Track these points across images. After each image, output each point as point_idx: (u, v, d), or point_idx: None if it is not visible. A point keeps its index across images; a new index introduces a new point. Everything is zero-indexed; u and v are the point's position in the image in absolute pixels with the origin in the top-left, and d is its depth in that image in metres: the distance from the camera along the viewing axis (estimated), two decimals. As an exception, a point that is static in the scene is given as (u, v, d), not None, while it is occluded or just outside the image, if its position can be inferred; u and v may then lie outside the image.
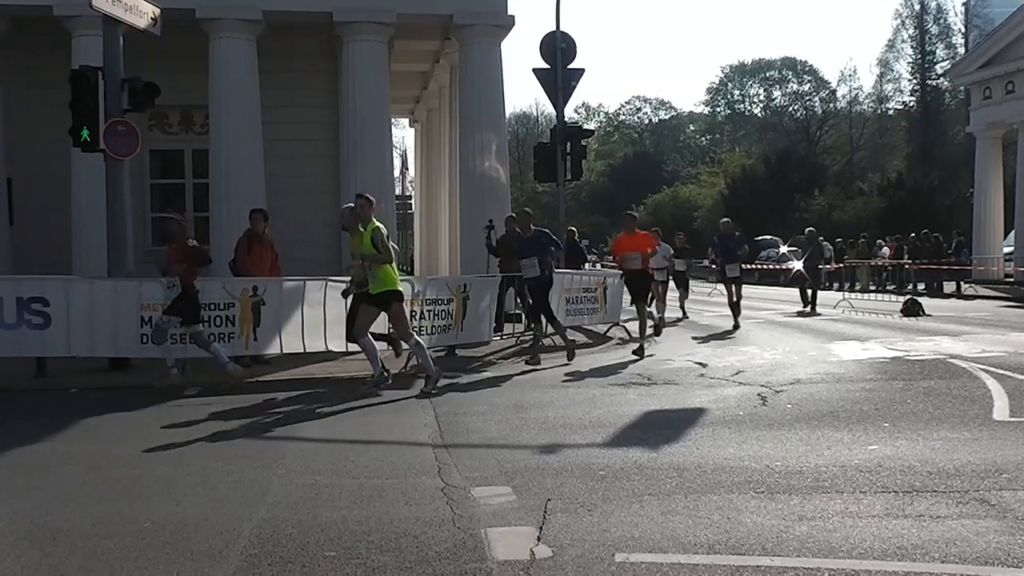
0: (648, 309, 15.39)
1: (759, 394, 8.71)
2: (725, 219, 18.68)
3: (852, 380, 9.52)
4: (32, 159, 15.83)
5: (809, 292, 19.54)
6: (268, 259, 11.54)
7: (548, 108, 54.24)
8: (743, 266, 17.45)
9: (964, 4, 54.28)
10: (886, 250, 29.82)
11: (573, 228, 18.78)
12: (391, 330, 10.03)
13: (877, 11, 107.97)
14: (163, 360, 10.12)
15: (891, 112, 62.65)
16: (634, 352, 12.29)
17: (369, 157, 15.63)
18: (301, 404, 8.82)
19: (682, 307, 18.63)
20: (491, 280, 13.00)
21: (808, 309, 19.10)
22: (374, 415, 8.32)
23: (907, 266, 26.86)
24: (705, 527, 4.58)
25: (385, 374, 9.56)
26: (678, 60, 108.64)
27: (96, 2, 10.44)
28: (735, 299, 16.32)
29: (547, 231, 12.65)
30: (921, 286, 26.20)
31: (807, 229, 22.36)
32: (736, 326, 15.81)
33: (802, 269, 20.26)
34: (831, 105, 66.40)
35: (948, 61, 51.89)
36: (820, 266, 20.87)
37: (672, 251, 17.77)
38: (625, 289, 13.32)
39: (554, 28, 15.58)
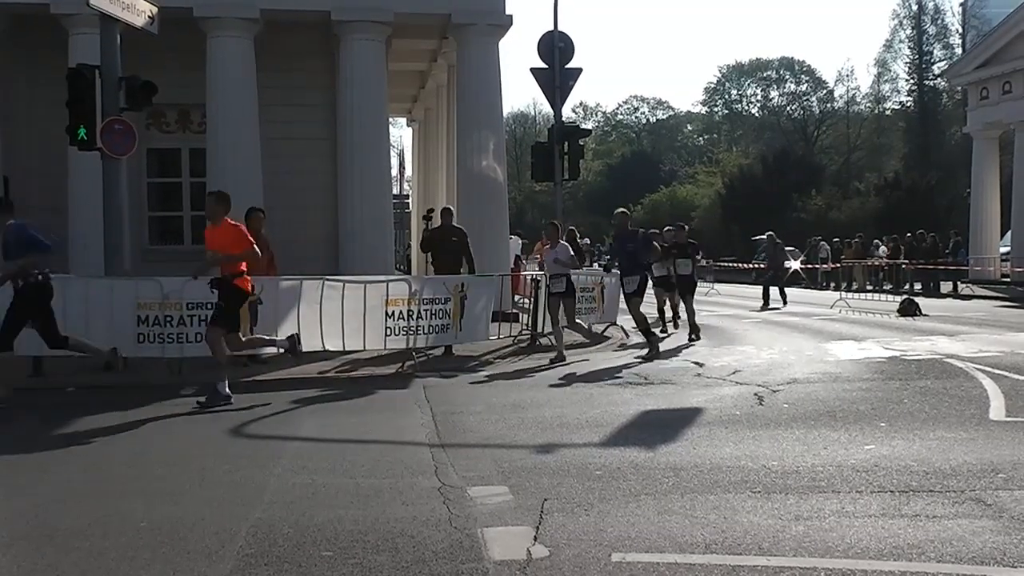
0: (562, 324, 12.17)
1: (756, 394, 8.71)
2: (620, 210, 13.38)
3: (849, 380, 9.53)
4: (29, 157, 15.78)
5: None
6: (265, 258, 11.51)
7: (546, 108, 53.91)
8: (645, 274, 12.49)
9: (961, 5, 54.35)
10: (883, 250, 29.86)
11: (574, 228, 18.78)
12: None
13: (875, 11, 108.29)
14: (159, 360, 10.09)
15: (888, 112, 62.72)
16: (199, 402, 8.46)
17: (367, 156, 15.63)
18: (298, 404, 8.80)
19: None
20: (489, 280, 12.99)
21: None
22: (371, 415, 8.32)
23: (904, 266, 26.89)
24: (702, 527, 4.59)
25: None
26: (676, 60, 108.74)
27: (93, 0, 10.42)
28: (636, 320, 12.18)
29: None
30: (918, 286, 26.23)
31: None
32: (651, 353, 11.78)
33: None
34: (828, 105, 66.43)
35: (945, 61, 51.96)
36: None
37: (572, 252, 12.88)
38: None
39: (552, 28, 15.63)
